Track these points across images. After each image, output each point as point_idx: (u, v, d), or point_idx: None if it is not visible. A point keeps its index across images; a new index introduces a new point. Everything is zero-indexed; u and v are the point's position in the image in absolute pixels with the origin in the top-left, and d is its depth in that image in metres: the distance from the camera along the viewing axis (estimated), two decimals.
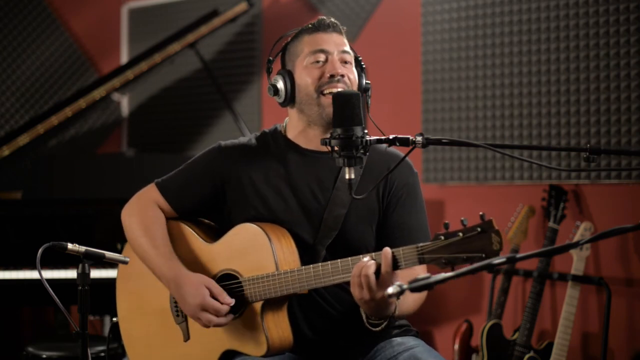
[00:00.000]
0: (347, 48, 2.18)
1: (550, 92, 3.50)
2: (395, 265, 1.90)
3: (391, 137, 1.98)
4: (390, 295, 1.50)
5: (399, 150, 2.22)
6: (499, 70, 3.64)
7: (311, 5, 4.23)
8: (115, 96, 4.65)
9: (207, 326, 2.12)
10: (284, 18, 4.34)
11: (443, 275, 1.52)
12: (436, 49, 3.83)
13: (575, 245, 1.60)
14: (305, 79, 2.15)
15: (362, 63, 2.22)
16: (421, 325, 3.81)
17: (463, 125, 3.74)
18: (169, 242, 2.23)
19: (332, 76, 2.12)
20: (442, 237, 1.82)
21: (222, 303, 2.10)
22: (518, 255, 1.59)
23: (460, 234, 1.80)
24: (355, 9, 4.10)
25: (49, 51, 4.72)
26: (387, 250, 1.90)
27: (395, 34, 3.99)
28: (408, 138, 1.96)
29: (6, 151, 3.76)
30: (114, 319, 2.34)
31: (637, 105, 3.29)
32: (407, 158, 2.21)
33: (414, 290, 1.50)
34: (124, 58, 4.78)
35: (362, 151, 1.94)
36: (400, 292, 1.50)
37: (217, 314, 2.09)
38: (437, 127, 3.81)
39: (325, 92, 2.13)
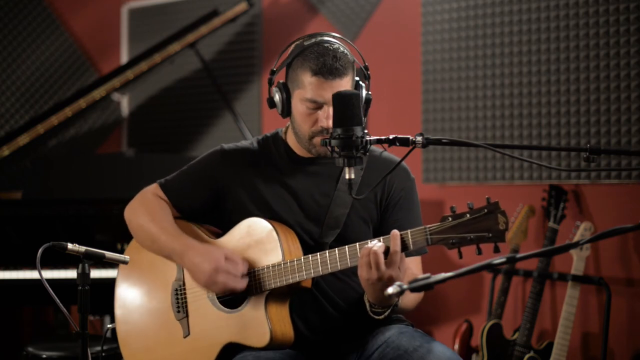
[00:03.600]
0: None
1: (550, 92, 3.50)
2: (404, 246, 1.94)
3: (391, 137, 1.99)
4: (390, 295, 1.51)
5: (397, 157, 2.26)
6: (499, 70, 3.64)
7: (311, 5, 4.23)
8: (115, 96, 4.65)
9: (223, 290, 2.12)
10: (284, 18, 4.35)
11: (443, 275, 1.53)
12: (436, 49, 3.83)
13: (575, 245, 1.60)
14: (299, 118, 2.17)
15: (369, 72, 2.21)
16: (421, 325, 3.80)
17: (463, 125, 3.74)
18: (175, 224, 2.26)
19: (322, 126, 2.13)
20: (450, 219, 1.88)
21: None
22: (518, 255, 1.59)
23: (468, 215, 1.87)
24: (355, 9, 4.10)
25: (49, 51, 4.72)
26: (396, 231, 1.94)
27: (395, 34, 3.99)
28: (408, 138, 1.98)
29: (6, 151, 3.76)
30: (110, 325, 2.36)
31: (637, 105, 3.29)
32: (405, 164, 2.27)
33: (413, 290, 1.50)
34: (124, 58, 4.79)
35: (362, 151, 1.95)
36: (400, 292, 1.50)
37: (234, 275, 2.11)
38: (437, 127, 3.81)
39: (316, 138, 2.14)
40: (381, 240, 1.97)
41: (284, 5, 4.36)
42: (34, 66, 4.67)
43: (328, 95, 2.09)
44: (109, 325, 2.36)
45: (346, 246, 2.03)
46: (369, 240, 1.99)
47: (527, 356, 3.28)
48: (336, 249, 2.05)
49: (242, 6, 4.14)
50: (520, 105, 3.58)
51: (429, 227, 1.91)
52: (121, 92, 4.50)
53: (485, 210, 1.85)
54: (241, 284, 2.12)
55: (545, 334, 3.51)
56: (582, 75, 3.42)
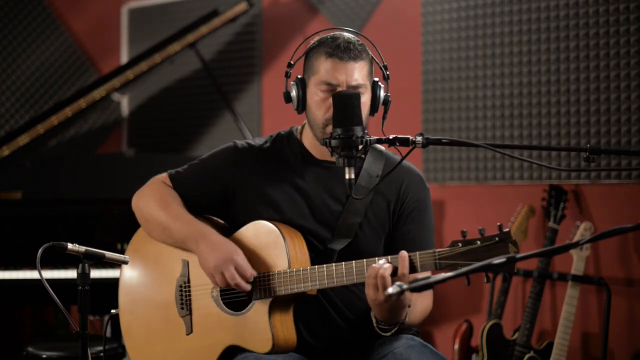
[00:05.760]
0: (360, 78, 2.11)
1: (550, 92, 3.50)
2: (412, 268, 1.92)
3: (391, 137, 1.99)
4: (390, 295, 1.51)
5: (412, 164, 2.26)
6: (499, 70, 3.64)
7: (311, 5, 4.23)
8: (115, 96, 4.65)
9: (227, 282, 2.09)
10: (284, 18, 4.34)
11: (443, 275, 1.53)
12: (436, 49, 3.83)
13: (575, 245, 1.60)
14: (314, 105, 2.14)
15: (387, 73, 2.19)
16: (421, 325, 3.80)
17: (463, 125, 3.74)
18: (187, 212, 2.23)
19: None
20: (460, 244, 1.86)
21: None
22: (518, 255, 1.59)
23: (478, 242, 1.84)
24: (355, 9, 4.10)
25: (49, 51, 4.72)
26: (404, 253, 1.92)
27: (395, 34, 3.99)
28: (408, 138, 1.97)
29: (6, 151, 3.76)
30: (113, 310, 2.34)
31: (637, 105, 3.29)
32: (420, 173, 2.27)
33: (414, 290, 1.50)
34: (124, 58, 4.78)
35: (362, 151, 1.95)
36: (401, 292, 1.50)
37: (242, 274, 2.09)
38: (437, 127, 3.81)
39: (329, 128, 2.11)
40: (389, 260, 1.95)
41: (284, 5, 4.36)
42: (34, 66, 4.67)
43: (342, 77, 2.09)
44: (112, 311, 2.34)
45: (353, 262, 2.01)
46: (376, 258, 1.97)
47: (527, 356, 3.28)
48: (343, 263, 2.02)
49: (242, 6, 4.14)
50: (520, 105, 3.58)
51: (439, 252, 1.89)
52: (121, 92, 4.50)
53: (497, 239, 1.82)
54: (245, 286, 2.10)
55: (545, 334, 3.51)
56: (582, 75, 3.42)
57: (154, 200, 2.28)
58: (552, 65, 3.49)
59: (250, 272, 2.10)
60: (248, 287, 2.10)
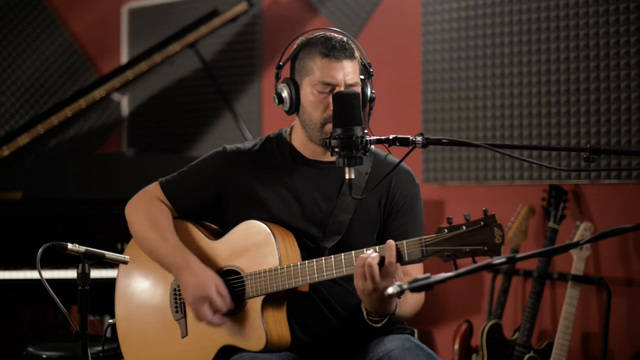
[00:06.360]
0: (355, 77, 2.13)
1: (550, 92, 3.50)
2: (399, 257, 1.92)
3: (391, 137, 1.99)
4: (390, 295, 1.51)
5: (404, 163, 2.24)
6: (499, 70, 3.64)
7: (311, 5, 4.23)
8: (115, 96, 4.65)
9: (200, 320, 2.14)
10: (284, 18, 4.35)
11: (443, 275, 1.53)
12: (436, 49, 3.83)
13: (575, 245, 1.60)
14: (310, 105, 2.14)
15: (371, 70, 2.20)
16: (421, 325, 3.81)
17: (463, 125, 3.74)
18: (176, 234, 2.25)
19: None
20: (446, 230, 1.86)
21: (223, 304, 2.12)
22: (518, 255, 1.59)
23: (464, 227, 1.84)
24: (355, 9, 4.10)
25: (49, 51, 4.73)
26: (391, 242, 1.92)
27: (395, 34, 3.99)
28: (408, 138, 1.97)
29: (6, 151, 3.76)
30: (111, 320, 2.35)
31: (637, 105, 3.29)
32: (410, 169, 2.26)
33: (413, 290, 1.50)
34: (124, 58, 4.79)
35: (362, 151, 1.95)
36: (401, 292, 1.50)
37: (215, 311, 2.12)
38: (437, 127, 3.81)
39: (329, 125, 2.12)
40: (377, 250, 1.95)
41: (284, 5, 4.36)
42: (34, 66, 4.67)
43: (339, 76, 2.10)
44: (109, 321, 2.35)
45: (342, 254, 2.02)
46: (364, 249, 1.97)
47: (527, 356, 3.28)
48: (332, 256, 2.03)
49: (242, 6, 4.14)
50: (520, 105, 3.58)
51: (425, 239, 1.89)
52: (121, 92, 4.50)
53: (482, 223, 1.82)
54: (220, 321, 2.13)
55: (545, 334, 3.51)
56: (582, 75, 3.42)
57: (145, 218, 2.29)
58: (552, 65, 3.49)
59: (226, 308, 2.12)
60: (221, 322, 2.13)
